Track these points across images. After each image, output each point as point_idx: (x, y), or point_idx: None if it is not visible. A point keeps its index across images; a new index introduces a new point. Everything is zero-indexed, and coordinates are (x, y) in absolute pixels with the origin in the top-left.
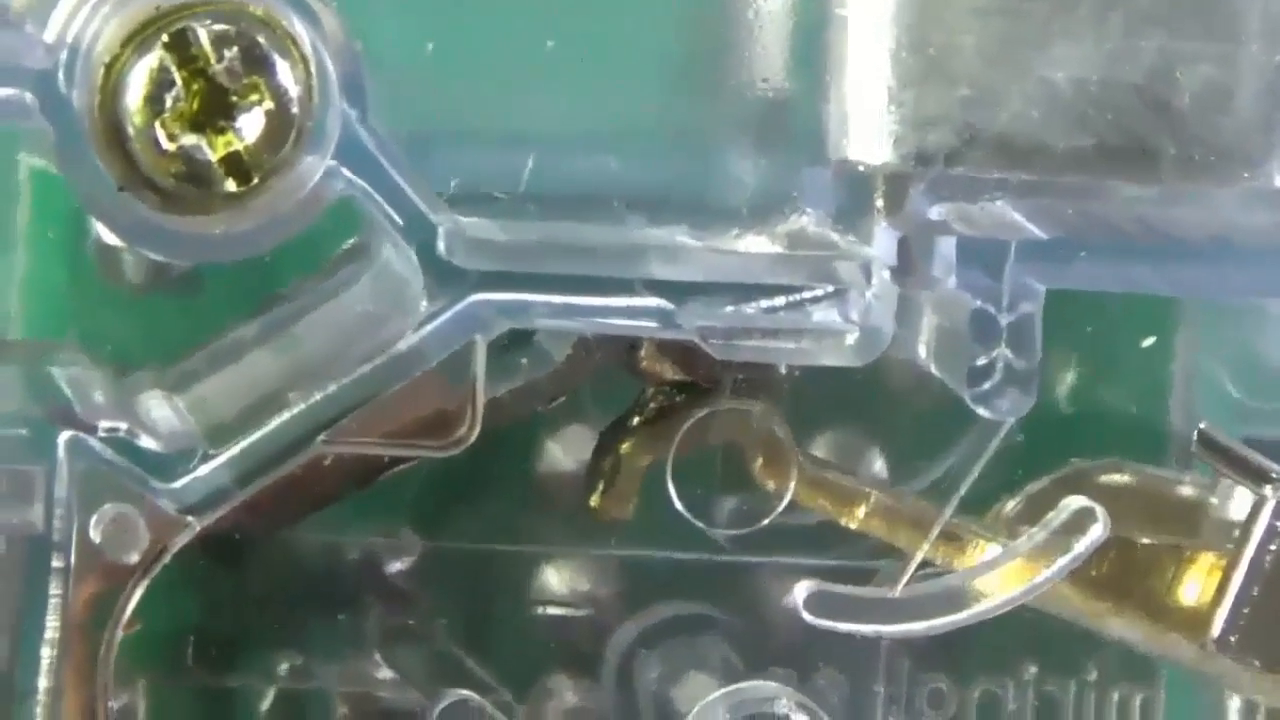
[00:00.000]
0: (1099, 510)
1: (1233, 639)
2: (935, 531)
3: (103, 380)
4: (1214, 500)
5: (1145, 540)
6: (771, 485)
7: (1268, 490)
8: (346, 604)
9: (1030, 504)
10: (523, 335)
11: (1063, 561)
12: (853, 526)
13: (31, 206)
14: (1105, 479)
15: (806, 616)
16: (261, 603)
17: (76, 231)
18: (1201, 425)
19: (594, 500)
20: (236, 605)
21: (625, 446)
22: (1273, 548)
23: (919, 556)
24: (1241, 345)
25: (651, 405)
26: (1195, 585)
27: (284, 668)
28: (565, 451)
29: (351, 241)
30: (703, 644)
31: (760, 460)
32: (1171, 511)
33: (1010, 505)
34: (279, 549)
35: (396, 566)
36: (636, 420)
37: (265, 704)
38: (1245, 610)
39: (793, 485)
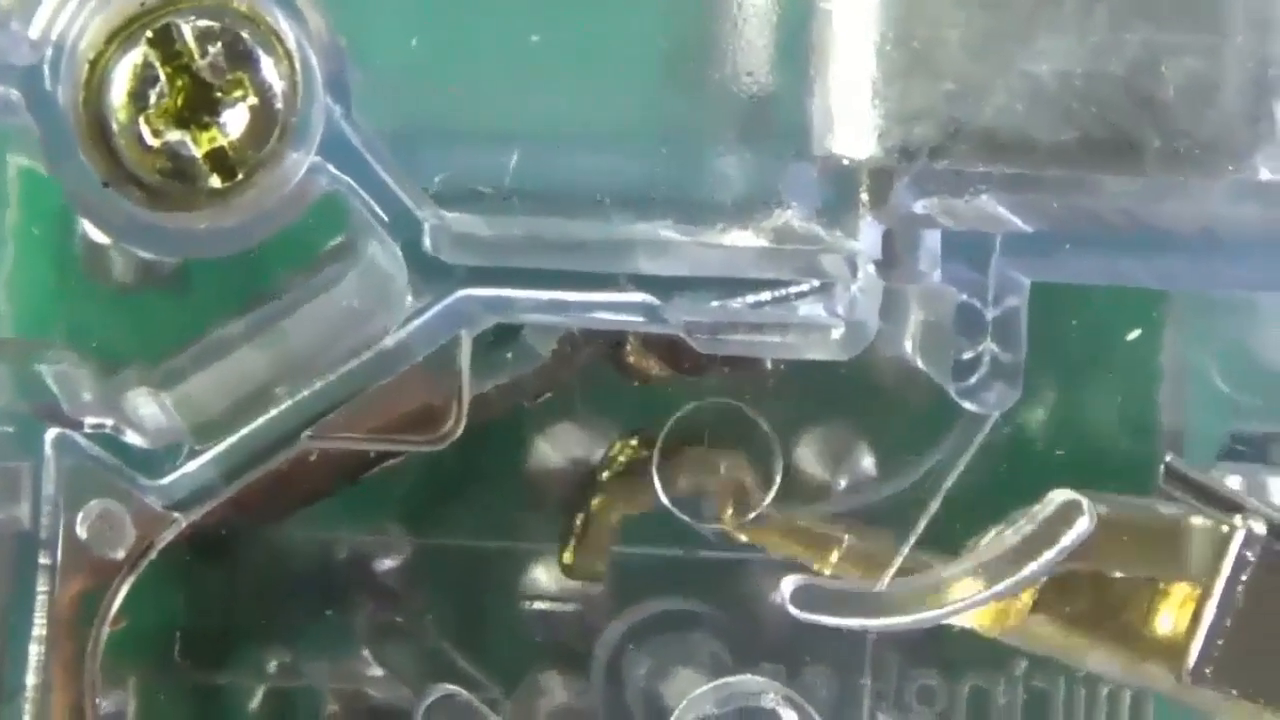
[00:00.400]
0: (1085, 503)
1: (1208, 670)
2: (920, 526)
3: (90, 378)
4: (1195, 522)
5: (1119, 574)
6: (743, 537)
7: (1236, 520)
8: (336, 601)
9: None
10: (509, 331)
11: (1049, 554)
12: (827, 572)
13: (19, 205)
14: None
15: (792, 610)
16: (251, 600)
17: (64, 230)
18: (1167, 459)
19: (566, 557)
20: (226, 603)
21: (595, 502)
22: (1244, 578)
23: (904, 550)
24: (1230, 340)
25: (620, 459)
26: (1170, 617)
27: (273, 665)
28: (554, 449)
29: (338, 239)
30: (691, 640)
31: (730, 510)
32: (1149, 539)
33: (987, 536)
34: (269, 547)
35: (386, 564)
36: (605, 475)
37: (255, 701)
38: (1219, 641)
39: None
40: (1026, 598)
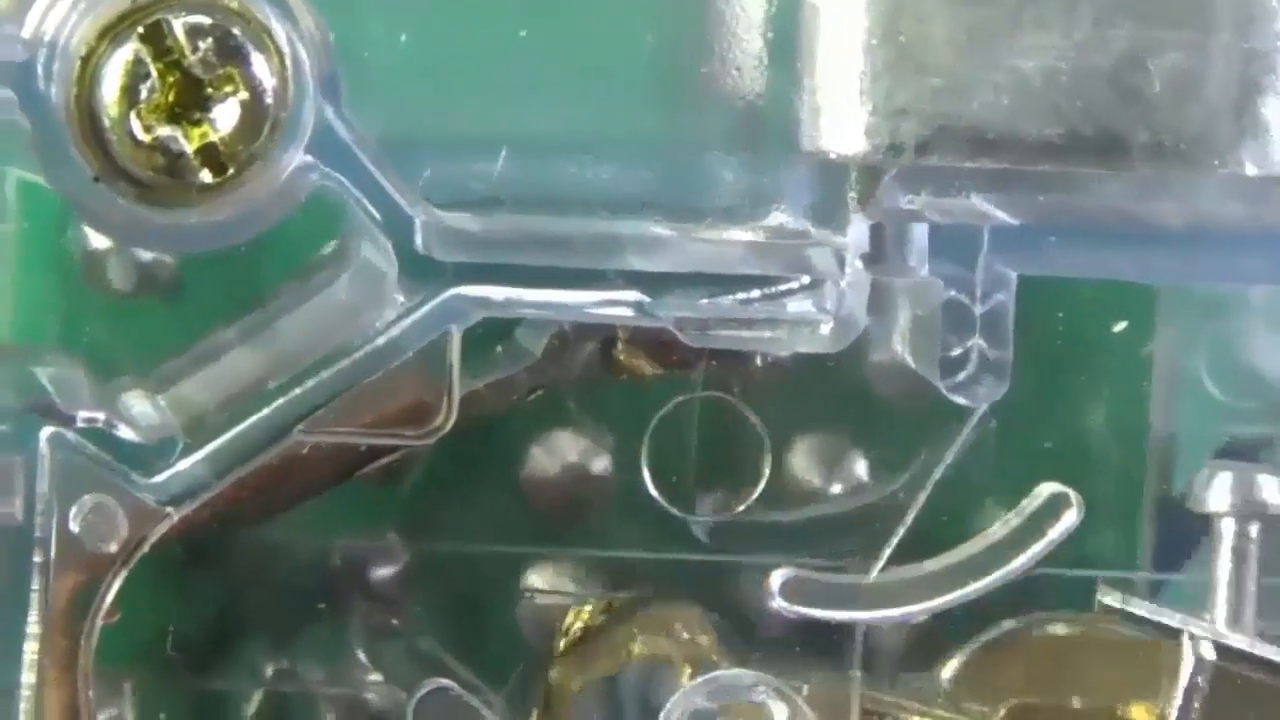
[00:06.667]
0: (1073, 496)
1: None
2: (908, 519)
3: (85, 381)
4: (1151, 643)
5: (1078, 704)
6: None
7: (1186, 647)
8: (333, 606)
9: (966, 668)
10: (500, 327)
11: (1036, 547)
12: None
13: (18, 213)
14: (1039, 633)
15: (781, 603)
16: (247, 605)
17: (61, 238)
18: (1097, 594)
19: None
20: (222, 608)
21: (554, 674)
22: (1197, 704)
23: (893, 543)
24: (1220, 342)
25: (576, 627)
26: None
27: (270, 670)
28: (548, 453)
29: (332, 244)
30: None
31: (688, 672)
32: (1106, 661)
33: (947, 668)
34: (264, 551)
35: (382, 568)
36: (561, 646)
37: (252, 706)
38: None
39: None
40: None
